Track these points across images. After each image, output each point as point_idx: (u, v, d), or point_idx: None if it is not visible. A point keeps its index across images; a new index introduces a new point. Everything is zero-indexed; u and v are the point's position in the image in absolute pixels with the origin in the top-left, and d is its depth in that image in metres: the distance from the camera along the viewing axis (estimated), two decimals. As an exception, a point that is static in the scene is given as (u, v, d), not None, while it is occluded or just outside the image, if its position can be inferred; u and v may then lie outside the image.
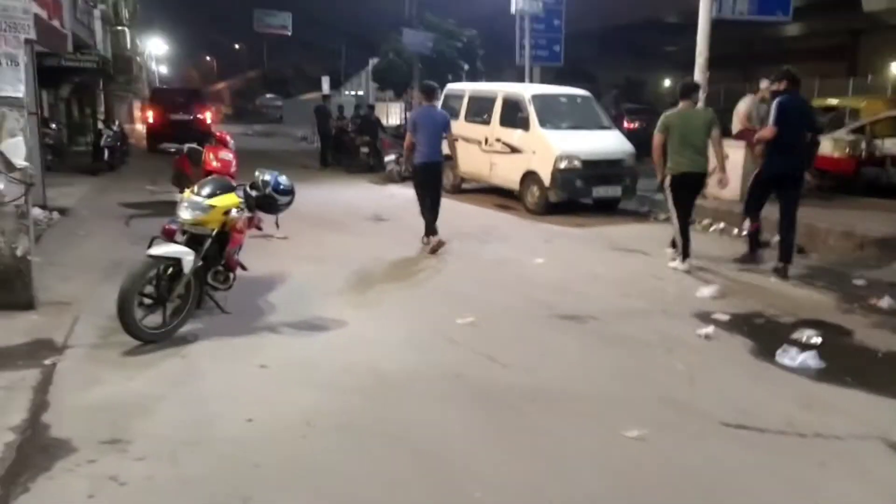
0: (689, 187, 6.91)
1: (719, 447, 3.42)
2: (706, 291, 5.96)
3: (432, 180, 7.92)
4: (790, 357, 4.50)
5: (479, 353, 4.57)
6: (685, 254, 6.87)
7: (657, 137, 6.86)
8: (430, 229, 7.79)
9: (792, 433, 3.56)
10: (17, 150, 5.17)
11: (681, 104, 6.98)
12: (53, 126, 15.83)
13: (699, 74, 9.90)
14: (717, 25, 9.98)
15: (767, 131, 6.71)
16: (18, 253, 5.20)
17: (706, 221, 9.11)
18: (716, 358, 4.62)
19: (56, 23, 12.42)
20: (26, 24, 5.24)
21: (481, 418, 3.65)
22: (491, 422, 3.62)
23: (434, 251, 7.49)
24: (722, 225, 8.88)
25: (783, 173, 6.75)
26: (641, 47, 26.82)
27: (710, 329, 5.03)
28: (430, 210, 7.84)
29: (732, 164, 9.53)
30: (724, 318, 5.34)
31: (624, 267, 7.12)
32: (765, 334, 5.05)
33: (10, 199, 5.16)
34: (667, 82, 32.25)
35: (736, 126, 9.81)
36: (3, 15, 5.11)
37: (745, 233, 7.75)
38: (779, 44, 24.83)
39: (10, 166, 5.13)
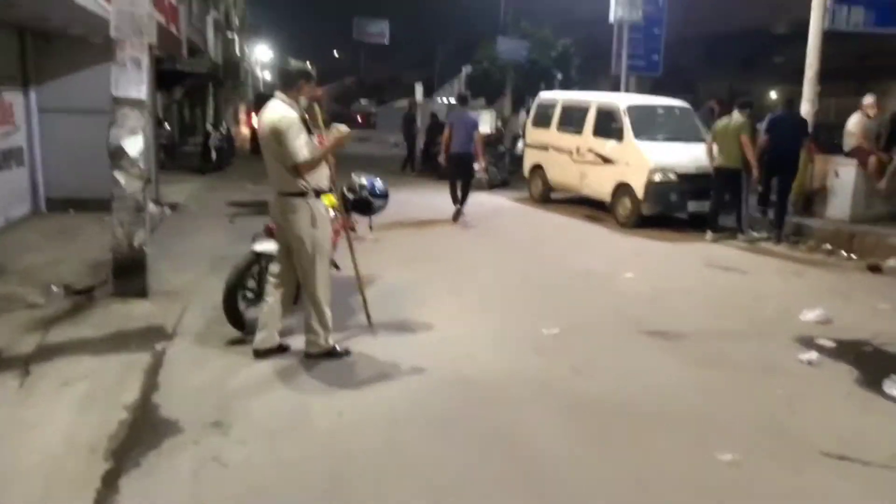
0: (724, 178, 9.07)
1: (818, 477, 3.26)
2: (810, 315, 5.66)
3: (463, 167, 10.26)
4: (898, 392, 4.22)
5: (565, 363, 4.54)
6: (713, 227, 9.07)
7: (708, 139, 9.38)
8: (456, 200, 10.25)
9: (898, 468, 3.35)
10: (137, 147, 5.58)
11: (735, 114, 9.02)
12: (167, 126, 16.88)
13: (808, 87, 9.44)
14: (830, 37, 9.47)
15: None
16: (136, 244, 5.60)
17: (812, 241, 8.64)
18: (818, 385, 4.39)
19: (173, 28, 13.28)
20: (150, 29, 5.64)
21: (568, 427, 3.63)
22: (579, 432, 3.60)
23: (455, 219, 10.06)
24: (829, 246, 8.39)
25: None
26: (747, 57, 25.68)
27: (813, 355, 4.78)
28: (461, 192, 10.23)
29: (843, 183, 9.07)
30: (829, 344, 5.07)
31: (719, 285, 6.87)
32: (872, 363, 4.75)
33: (130, 193, 5.57)
34: (773, 94, 30.79)
35: (849, 143, 9.28)
36: (130, 20, 5.52)
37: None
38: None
39: (130, 162, 5.54)
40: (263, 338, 4.43)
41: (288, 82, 4.27)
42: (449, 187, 10.40)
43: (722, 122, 9.12)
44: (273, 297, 4.44)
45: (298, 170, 4.10)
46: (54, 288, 5.58)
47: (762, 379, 4.43)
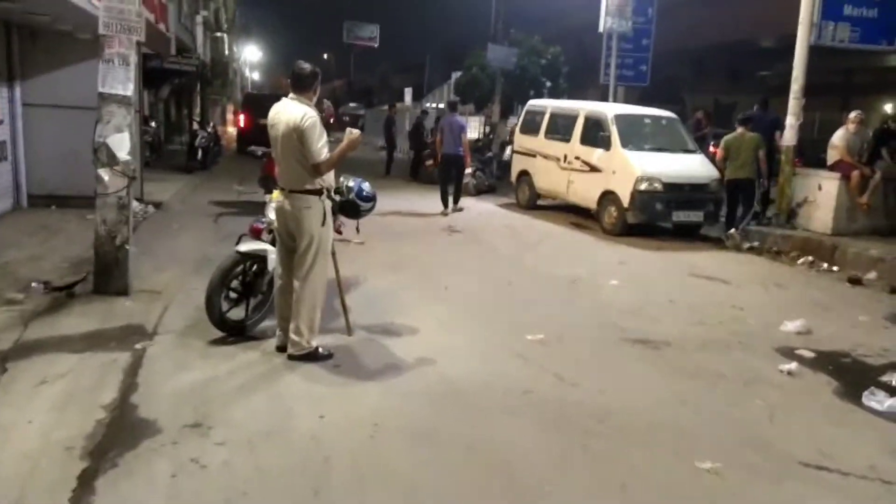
0: (739, 188, 9.72)
1: (797, 487, 3.28)
2: (791, 326, 5.71)
3: (454, 168, 11.54)
4: (878, 400, 4.26)
5: (548, 370, 4.54)
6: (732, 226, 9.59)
7: (719, 153, 9.96)
8: (446, 202, 11.36)
9: (875, 479, 3.38)
10: (123, 145, 5.54)
11: (738, 129, 9.71)
12: (153, 124, 16.75)
13: (793, 101, 9.55)
14: (816, 52, 9.59)
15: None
16: (118, 242, 5.56)
17: (794, 254, 8.73)
18: (798, 396, 4.43)
19: (162, 26, 13.20)
20: (138, 26, 5.59)
21: (550, 435, 3.63)
22: (560, 440, 3.59)
23: (444, 214, 11.15)
24: (811, 258, 8.48)
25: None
26: (734, 70, 25.97)
27: (792, 365, 4.82)
28: (453, 191, 11.47)
29: (825, 196, 9.19)
30: (809, 355, 5.11)
31: (703, 294, 6.92)
32: (851, 375, 4.81)
33: (113, 191, 5.52)
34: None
35: (832, 157, 9.40)
36: (119, 17, 5.47)
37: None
38: (882, 74, 23.60)
39: (114, 159, 5.49)
40: (282, 336, 4.52)
41: (303, 83, 4.33)
42: (440, 188, 11.57)
43: (733, 137, 9.71)
44: (283, 297, 4.49)
45: (318, 169, 4.21)
46: (34, 284, 5.51)
47: (743, 389, 4.46)
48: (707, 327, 5.76)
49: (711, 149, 11.74)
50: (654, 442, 3.64)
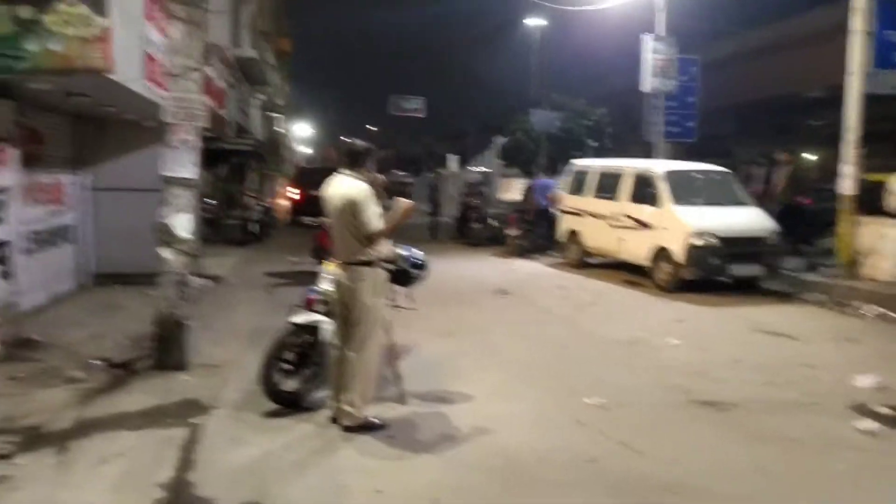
0: None
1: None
2: (866, 381, 5.38)
3: (544, 219, 13.83)
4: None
5: (612, 437, 4.36)
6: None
7: None
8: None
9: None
10: (185, 225, 5.75)
11: None
12: (213, 201, 17.41)
13: (847, 150, 9.31)
14: (870, 100, 9.39)
15: None
16: (177, 318, 5.68)
17: (862, 304, 8.32)
18: (881, 457, 4.13)
19: (222, 111, 13.91)
20: (202, 114, 5.90)
21: (615, 509, 3.45)
22: (626, 513, 3.41)
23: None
24: (880, 309, 8.06)
25: None
26: (782, 122, 25.66)
27: (872, 424, 4.52)
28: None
29: (889, 245, 8.84)
30: (888, 412, 4.78)
31: (768, 352, 6.61)
32: (940, 435, 4.46)
33: (175, 269, 5.70)
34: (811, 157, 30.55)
35: (892, 204, 9.06)
36: (184, 106, 5.79)
37: None
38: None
39: (176, 239, 5.69)
40: (336, 407, 4.49)
41: (356, 160, 4.48)
42: (533, 235, 13.95)
43: None
44: (338, 368, 4.49)
45: (372, 239, 4.30)
46: (95, 362, 5.65)
47: (821, 453, 4.18)
48: (777, 387, 5.47)
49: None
50: (730, 514, 3.41)
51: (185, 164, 5.77)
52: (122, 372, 5.49)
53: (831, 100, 11.94)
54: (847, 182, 9.33)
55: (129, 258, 9.15)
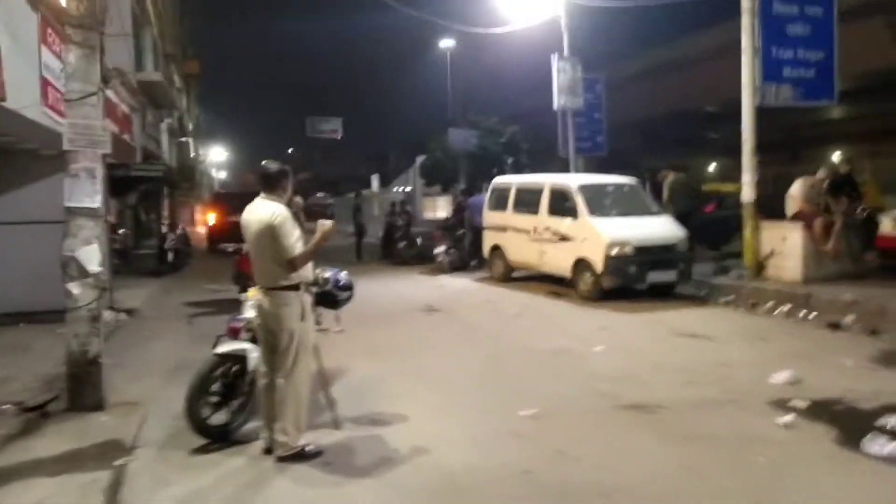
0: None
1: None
2: (780, 377, 5.70)
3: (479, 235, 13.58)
4: (879, 445, 4.23)
5: (547, 447, 4.43)
6: None
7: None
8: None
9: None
10: (93, 257, 5.44)
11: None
12: (121, 231, 16.65)
13: (747, 159, 9.91)
14: (761, 112, 10.04)
15: None
16: (90, 355, 5.36)
17: (770, 304, 8.83)
18: (799, 449, 4.37)
19: (127, 137, 13.37)
20: (104, 140, 5.62)
21: (555, 518, 3.49)
22: (566, 521, 3.46)
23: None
24: (787, 307, 8.58)
25: None
26: (684, 136, 27.20)
27: (789, 418, 4.78)
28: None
29: (791, 246, 9.41)
30: (803, 404, 5.08)
31: (688, 354, 6.91)
32: (848, 421, 4.77)
33: (84, 304, 5.38)
34: (712, 167, 32.40)
35: (792, 208, 9.70)
36: (84, 132, 5.48)
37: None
38: (826, 126, 24.88)
39: (84, 272, 5.39)
40: (268, 437, 4.34)
41: (272, 183, 4.36)
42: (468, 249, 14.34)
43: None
44: (268, 397, 4.35)
45: (294, 264, 4.18)
46: (5, 407, 5.26)
47: (743, 448, 4.39)
48: (698, 387, 5.72)
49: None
50: (664, 513, 3.52)
51: (88, 193, 5.46)
52: (34, 416, 5.12)
53: (729, 114, 12.72)
54: (747, 189, 9.91)
55: (32, 295, 8.60)
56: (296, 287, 4.28)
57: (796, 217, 9.61)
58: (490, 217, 13.06)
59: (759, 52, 9.87)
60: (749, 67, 9.92)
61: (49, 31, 6.81)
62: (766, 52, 9.92)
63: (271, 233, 4.15)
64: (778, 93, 10.10)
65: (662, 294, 10.08)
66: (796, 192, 9.71)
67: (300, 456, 4.24)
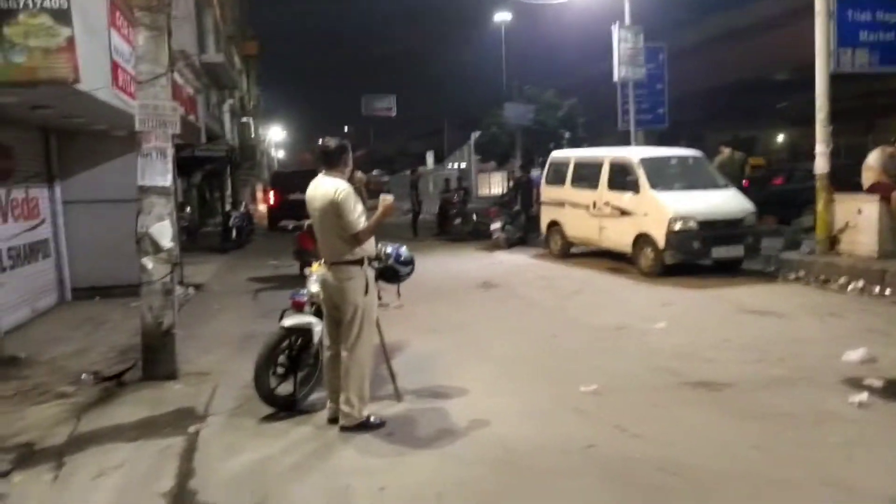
0: None
1: (894, 530, 3.07)
2: (854, 355, 5.47)
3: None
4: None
5: (608, 423, 4.39)
6: None
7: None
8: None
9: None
10: (165, 233, 5.67)
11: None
12: (188, 210, 17.23)
13: (820, 129, 9.46)
14: (834, 79, 9.56)
15: None
16: (164, 327, 5.61)
17: (843, 279, 8.47)
18: (873, 429, 4.20)
19: (192, 118, 13.74)
20: (173, 120, 5.80)
21: (619, 494, 3.47)
22: (632, 499, 3.43)
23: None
24: (861, 283, 8.22)
25: None
26: (751, 106, 26.10)
27: (863, 396, 4.60)
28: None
29: (867, 219, 8.97)
30: (878, 383, 4.87)
31: (756, 330, 6.70)
32: (928, 403, 4.56)
33: (158, 278, 5.62)
34: (780, 138, 31.05)
35: (868, 179, 9.22)
36: (154, 113, 5.68)
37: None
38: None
39: (157, 248, 5.61)
40: (333, 408, 4.46)
41: (332, 159, 4.42)
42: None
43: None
44: (332, 368, 4.46)
45: (358, 238, 4.26)
46: (83, 376, 5.56)
47: (814, 427, 4.25)
48: (767, 364, 5.55)
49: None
50: (732, 493, 3.45)
51: (160, 172, 5.68)
52: (111, 384, 5.41)
53: (798, 82, 12.15)
54: (821, 160, 9.47)
55: (106, 270, 9.04)
56: (360, 261, 4.35)
57: (873, 189, 9.14)
58: (547, 192, 12.90)
59: (835, 16, 9.38)
60: (823, 31, 9.42)
61: (118, 14, 7.02)
62: (842, 14, 9.43)
63: (335, 208, 4.21)
64: (854, 58, 9.59)
65: (728, 270, 9.79)
66: (873, 162, 9.21)
67: (364, 426, 4.33)
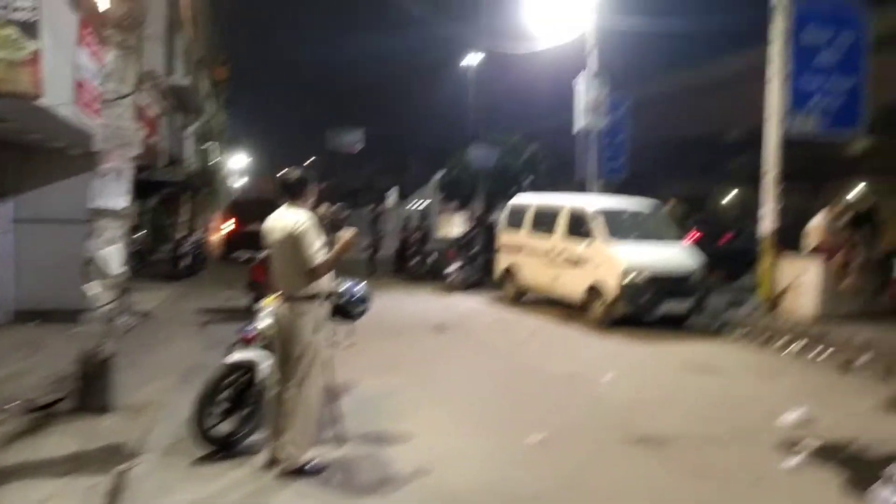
0: None
1: None
2: (791, 417, 5.62)
3: None
4: (885, 496, 4.15)
5: (554, 474, 4.40)
6: None
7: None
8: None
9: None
10: (114, 258, 5.53)
11: None
12: (142, 233, 16.83)
13: (768, 189, 9.83)
14: (785, 141, 9.93)
15: None
16: (103, 356, 5.42)
17: (784, 340, 8.72)
18: (807, 494, 4.30)
19: (154, 140, 13.55)
20: (135, 141, 5.71)
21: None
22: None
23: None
24: (802, 344, 8.47)
25: None
26: (705, 162, 27.05)
27: (797, 460, 4.72)
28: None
29: (808, 282, 9.28)
30: (812, 446, 5.01)
31: (699, 387, 6.83)
32: (856, 466, 4.69)
33: (103, 304, 5.45)
34: (731, 195, 32.22)
35: (812, 241, 9.59)
36: (115, 133, 5.60)
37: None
38: (850, 160, 24.68)
39: (104, 273, 5.46)
40: (274, 448, 4.34)
41: (294, 191, 4.39)
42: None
43: None
44: (277, 406, 4.36)
45: (315, 272, 4.19)
46: (12, 404, 5.32)
47: (750, 488, 4.33)
48: (708, 422, 5.65)
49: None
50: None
51: (115, 194, 5.56)
52: (42, 415, 5.18)
53: (749, 143, 12.64)
54: (767, 221, 9.81)
55: (51, 293, 8.72)
56: (315, 297, 4.29)
57: (817, 250, 9.48)
58: (505, 236, 13.00)
59: (789, 80, 9.77)
60: (776, 95, 9.83)
61: (87, 30, 6.96)
62: (796, 80, 9.81)
63: (294, 241, 4.17)
64: (805, 122, 9.96)
65: (675, 324, 9.97)
66: (819, 223, 9.58)
67: (303, 471, 4.24)
